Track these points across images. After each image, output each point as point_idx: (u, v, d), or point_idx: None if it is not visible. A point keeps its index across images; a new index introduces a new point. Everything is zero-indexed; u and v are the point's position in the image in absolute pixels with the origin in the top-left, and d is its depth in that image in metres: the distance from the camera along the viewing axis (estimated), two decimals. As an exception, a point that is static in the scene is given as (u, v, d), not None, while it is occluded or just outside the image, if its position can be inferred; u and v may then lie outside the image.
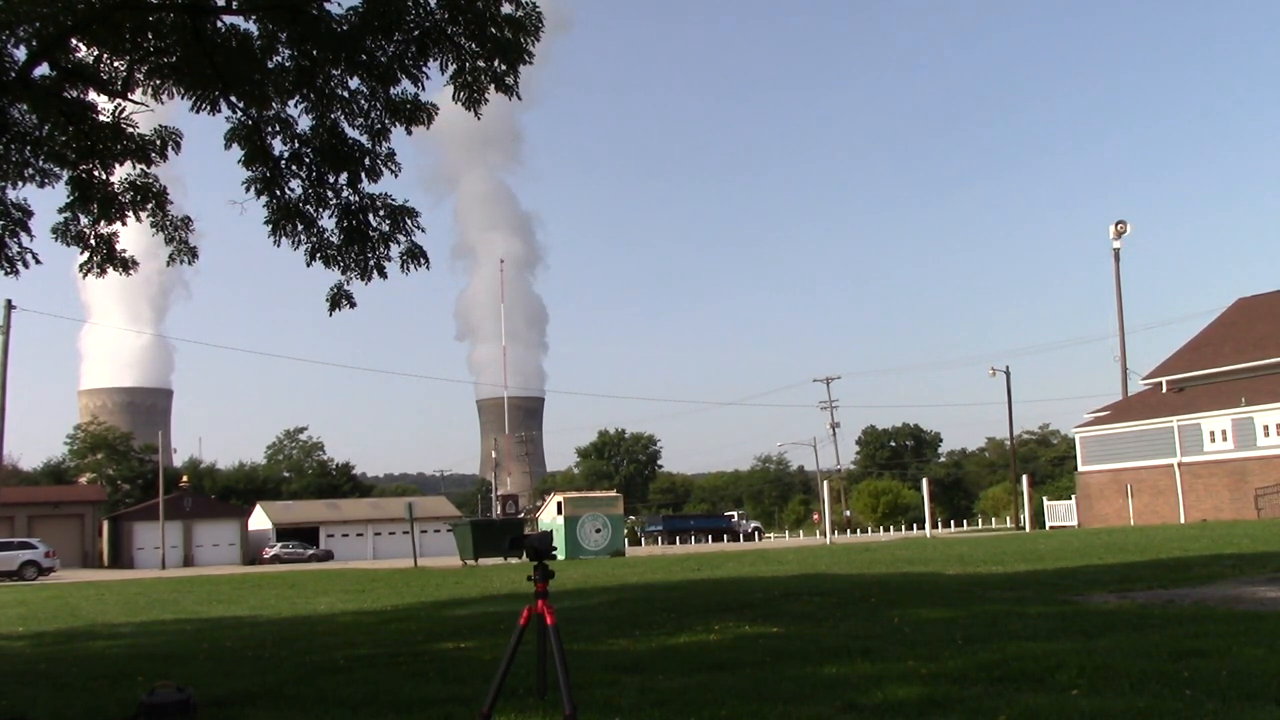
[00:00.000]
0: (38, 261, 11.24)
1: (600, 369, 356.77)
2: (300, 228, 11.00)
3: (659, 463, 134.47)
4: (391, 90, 10.50)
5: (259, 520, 78.78)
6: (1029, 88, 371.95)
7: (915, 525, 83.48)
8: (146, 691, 7.47)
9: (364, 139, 10.74)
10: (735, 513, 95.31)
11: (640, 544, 76.22)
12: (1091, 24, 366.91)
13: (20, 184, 11.07)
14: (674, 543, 75.42)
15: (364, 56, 10.06)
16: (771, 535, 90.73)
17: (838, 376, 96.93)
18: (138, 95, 10.58)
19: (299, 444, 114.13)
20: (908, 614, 11.45)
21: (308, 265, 11.06)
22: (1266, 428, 46.67)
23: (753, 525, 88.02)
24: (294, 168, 10.92)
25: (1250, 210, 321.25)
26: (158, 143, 10.89)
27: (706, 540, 78.48)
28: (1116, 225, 64.90)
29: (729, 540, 79.15)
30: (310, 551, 72.93)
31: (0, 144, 10.59)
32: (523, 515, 63.38)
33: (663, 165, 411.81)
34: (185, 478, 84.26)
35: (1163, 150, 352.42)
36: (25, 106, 10.57)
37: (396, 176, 10.96)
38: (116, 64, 10.47)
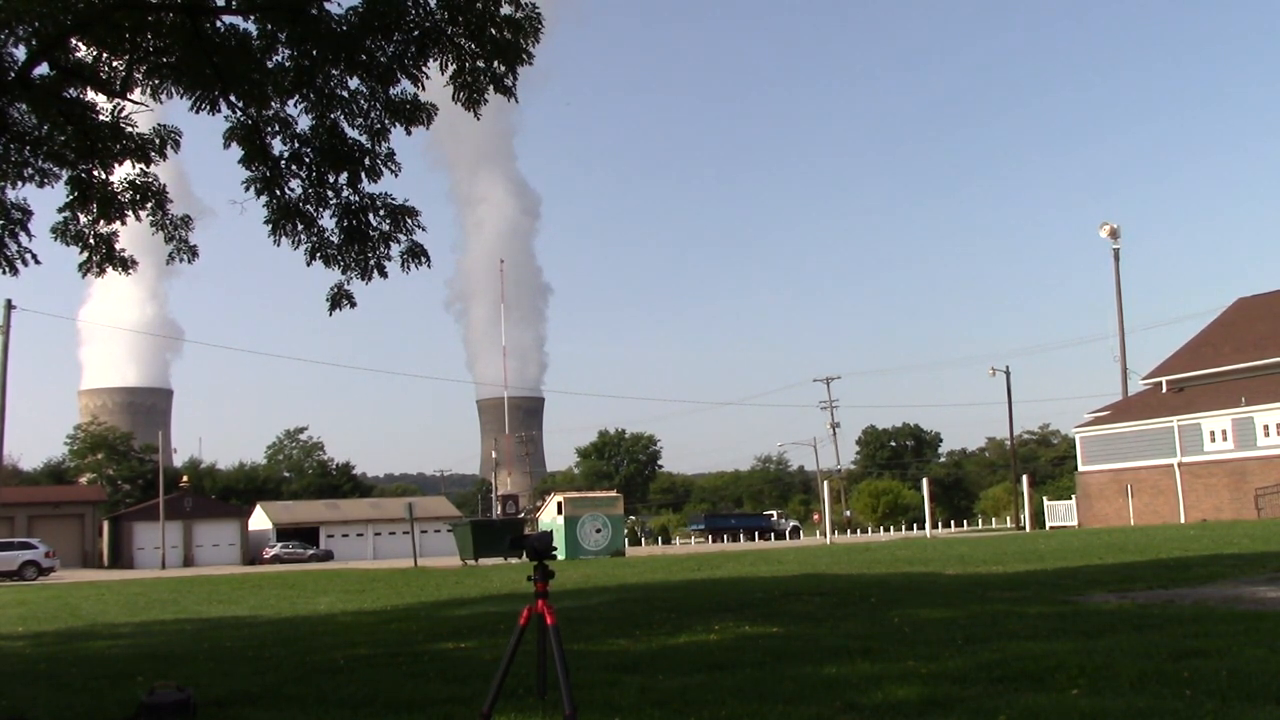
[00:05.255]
0: (37, 261, 11.25)
1: (600, 369, 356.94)
2: (300, 227, 11.01)
3: (659, 463, 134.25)
4: (391, 90, 10.51)
5: (259, 520, 78.76)
6: (1028, 88, 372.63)
7: (915, 525, 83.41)
8: (146, 691, 7.46)
9: (364, 139, 10.74)
10: (775, 512, 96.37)
11: (640, 544, 76.48)
12: (1090, 24, 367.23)
13: (20, 184, 11.08)
14: (721, 540, 78.13)
15: (364, 56, 10.06)
16: (816, 533, 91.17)
17: (838, 376, 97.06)
18: (137, 95, 10.58)
19: (299, 444, 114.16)
20: (908, 614, 11.45)
21: (308, 265, 11.08)
22: (1266, 428, 46.67)
23: (791, 524, 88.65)
24: (294, 168, 10.92)
25: (1250, 210, 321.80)
26: (157, 142, 10.89)
27: (754, 538, 79.87)
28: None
29: (775, 538, 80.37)
30: (310, 551, 72.90)
31: (0, 144, 10.59)
32: (523, 515, 63.40)
33: (662, 164, 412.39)
34: (185, 478, 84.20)
35: (1162, 150, 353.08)
36: (25, 106, 10.57)
37: (396, 176, 10.98)
38: (116, 64, 10.47)
